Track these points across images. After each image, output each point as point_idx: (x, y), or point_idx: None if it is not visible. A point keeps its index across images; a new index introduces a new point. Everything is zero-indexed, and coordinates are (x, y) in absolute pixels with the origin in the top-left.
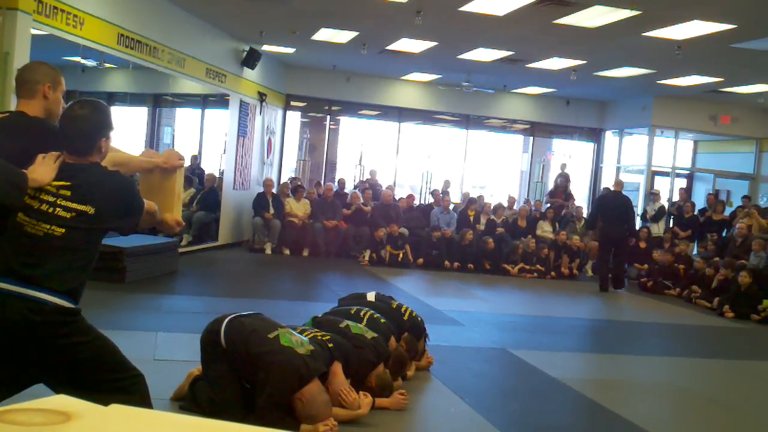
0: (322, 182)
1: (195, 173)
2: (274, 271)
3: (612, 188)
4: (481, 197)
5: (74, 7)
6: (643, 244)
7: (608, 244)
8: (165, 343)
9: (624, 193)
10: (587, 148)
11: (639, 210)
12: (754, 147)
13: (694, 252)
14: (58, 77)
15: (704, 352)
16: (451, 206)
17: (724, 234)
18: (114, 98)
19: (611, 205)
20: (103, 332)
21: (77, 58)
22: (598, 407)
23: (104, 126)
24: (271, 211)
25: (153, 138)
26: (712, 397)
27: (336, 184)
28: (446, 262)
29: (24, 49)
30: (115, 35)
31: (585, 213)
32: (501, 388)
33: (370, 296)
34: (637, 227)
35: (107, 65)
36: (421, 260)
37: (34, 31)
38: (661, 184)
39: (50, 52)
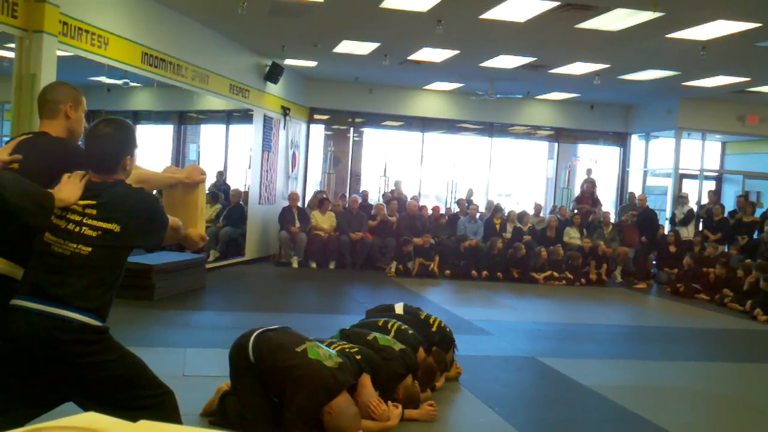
0: (347, 194)
1: (221, 189)
2: (301, 285)
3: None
4: (499, 205)
5: (99, 28)
6: (672, 248)
7: None
8: (194, 358)
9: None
10: (613, 152)
11: (667, 214)
12: None
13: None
14: (79, 97)
15: (738, 357)
16: (478, 215)
17: (755, 236)
18: (139, 116)
19: None
20: (133, 349)
21: (102, 78)
22: (631, 415)
23: (128, 144)
24: (297, 224)
25: (179, 155)
26: (749, 403)
27: (360, 196)
28: (473, 272)
29: (50, 71)
30: (139, 54)
31: (612, 218)
32: (531, 398)
33: (398, 308)
34: (666, 231)
35: (132, 84)
36: (448, 271)
37: (59, 53)
38: (690, 187)
39: (76, 72)
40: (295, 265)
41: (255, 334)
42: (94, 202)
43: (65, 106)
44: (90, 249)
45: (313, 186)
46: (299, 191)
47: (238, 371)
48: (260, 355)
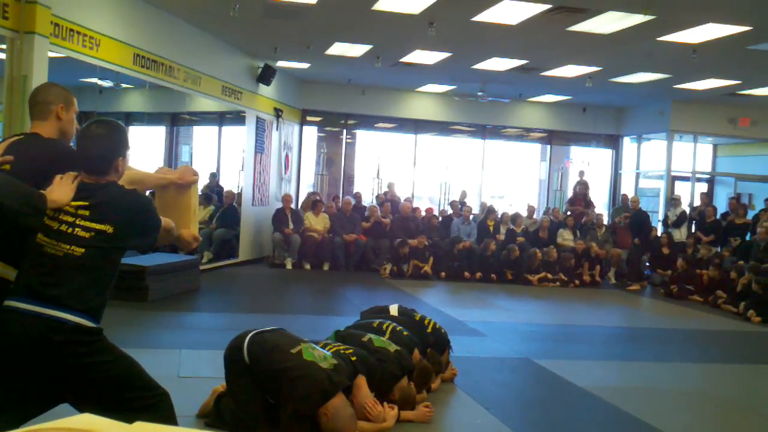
0: (340, 196)
1: (214, 191)
2: (295, 286)
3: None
4: (492, 206)
5: (90, 29)
6: (666, 250)
7: None
8: (189, 360)
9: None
10: (605, 154)
11: (660, 216)
12: None
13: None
14: (70, 98)
15: (732, 358)
16: (471, 217)
17: (747, 238)
18: (132, 118)
19: None
20: (127, 350)
21: (94, 80)
22: (626, 416)
23: (121, 145)
24: (291, 226)
25: (171, 156)
26: (743, 404)
27: (353, 197)
28: (467, 273)
29: (42, 72)
30: (131, 55)
31: (606, 220)
32: (526, 399)
33: (393, 309)
34: (659, 233)
35: (124, 85)
36: (442, 273)
37: (51, 54)
38: (682, 189)
39: (67, 74)
40: (289, 266)
41: (250, 336)
42: (87, 203)
43: (56, 107)
44: (83, 250)
45: (306, 187)
46: (292, 193)
47: (233, 373)
48: (255, 356)
